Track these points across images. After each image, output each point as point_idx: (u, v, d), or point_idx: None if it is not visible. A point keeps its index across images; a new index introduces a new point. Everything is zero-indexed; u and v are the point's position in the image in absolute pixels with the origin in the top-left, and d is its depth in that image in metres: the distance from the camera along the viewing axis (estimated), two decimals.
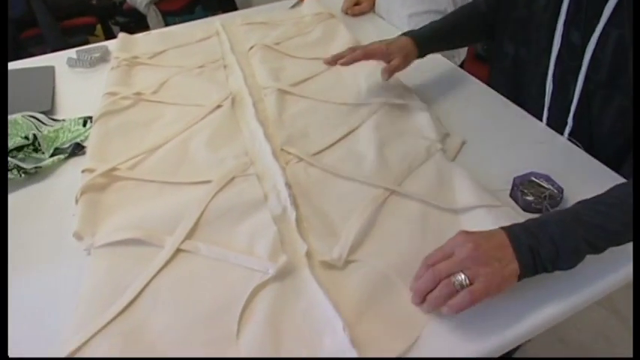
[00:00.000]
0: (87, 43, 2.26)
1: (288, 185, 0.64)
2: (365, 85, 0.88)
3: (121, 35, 1.17)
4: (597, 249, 0.50)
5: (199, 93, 0.90)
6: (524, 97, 0.83)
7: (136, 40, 1.16)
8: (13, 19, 2.03)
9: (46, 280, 0.58)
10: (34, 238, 0.64)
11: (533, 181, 0.64)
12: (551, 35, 0.72)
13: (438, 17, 0.91)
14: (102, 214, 0.64)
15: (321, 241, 0.57)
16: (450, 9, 1.11)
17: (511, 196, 0.64)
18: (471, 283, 0.47)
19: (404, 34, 0.85)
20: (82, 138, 0.82)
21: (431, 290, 0.49)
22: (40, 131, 0.81)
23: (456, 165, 0.68)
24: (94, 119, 0.83)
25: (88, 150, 0.76)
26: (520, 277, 0.48)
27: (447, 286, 0.48)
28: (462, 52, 1.24)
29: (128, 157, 0.72)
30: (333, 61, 0.80)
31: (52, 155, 0.77)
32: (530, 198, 0.61)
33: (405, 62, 0.82)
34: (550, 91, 0.76)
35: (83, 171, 0.70)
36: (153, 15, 2.21)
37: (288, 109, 0.84)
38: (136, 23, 2.47)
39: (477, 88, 0.90)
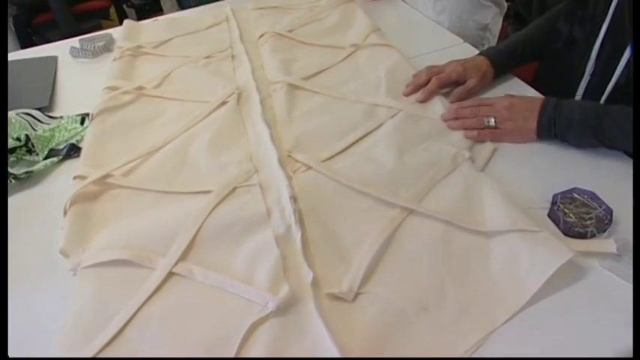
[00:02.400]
0: (100, 27, 2.24)
1: (294, 199, 0.57)
2: (385, 83, 0.79)
3: (126, 22, 1.11)
4: (604, 144, 0.61)
5: (204, 87, 0.84)
6: (570, 79, 0.75)
7: (142, 28, 1.10)
8: (25, 5, 1.99)
9: (31, 302, 0.52)
10: (22, 251, 0.58)
11: (576, 198, 0.55)
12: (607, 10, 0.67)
13: None
14: (92, 228, 0.58)
15: (330, 268, 0.50)
16: None
17: (550, 216, 0.55)
18: (496, 127, 0.66)
19: (480, 53, 0.80)
20: (78, 138, 0.76)
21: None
22: (34, 130, 0.76)
23: (486, 177, 0.59)
24: (91, 116, 0.77)
25: (82, 153, 0.70)
26: (538, 136, 0.65)
27: (479, 121, 0.67)
28: (492, 39, 1.14)
29: (123, 162, 0.66)
30: (412, 92, 0.77)
31: (47, 157, 0.72)
32: (572, 219, 0.53)
33: (482, 83, 0.77)
34: (591, 70, 0.70)
35: (75, 177, 0.65)
36: None
37: (298, 107, 0.76)
38: (152, 5, 2.41)
39: (510, 83, 0.80)
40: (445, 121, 0.70)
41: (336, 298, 0.48)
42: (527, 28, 0.83)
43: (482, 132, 0.67)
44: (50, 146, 0.75)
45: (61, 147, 0.74)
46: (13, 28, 2.11)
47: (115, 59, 0.94)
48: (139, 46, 0.99)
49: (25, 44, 2.08)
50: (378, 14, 1.06)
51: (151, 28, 1.10)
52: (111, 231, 0.57)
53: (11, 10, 2.10)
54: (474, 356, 0.43)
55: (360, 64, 0.87)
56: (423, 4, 1.04)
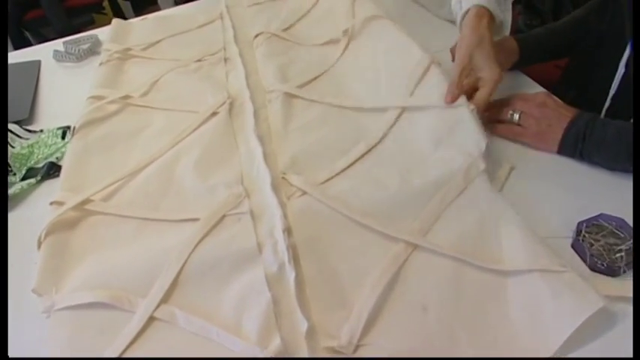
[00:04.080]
0: (93, 22, 2.18)
1: (287, 232, 0.51)
2: (386, 75, 0.72)
3: (115, 22, 1.04)
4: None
5: (193, 95, 0.77)
6: (596, 84, 0.70)
7: (131, 28, 1.03)
8: (16, 1, 1.93)
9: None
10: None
11: (603, 226, 0.49)
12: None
13: None
14: (67, 262, 0.53)
15: (327, 314, 0.45)
16: None
17: (574, 247, 0.49)
18: (519, 125, 0.61)
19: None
20: (58, 155, 0.71)
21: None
22: (12, 147, 0.71)
23: (501, 199, 0.53)
24: (74, 130, 0.71)
25: (61, 174, 0.64)
26: (559, 150, 0.59)
27: (505, 113, 0.62)
28: (505, 31, 1.06)
29: (104, 185, 0.61)
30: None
31: (25, 177, 0.66)
32: (599, 252, 0.47)
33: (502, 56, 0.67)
34: (620, 75, 0.64)
35: (52, 203, 0.59)
36: None
37: (295, 119, 0.70)
38: None
39: (520, 82, 0.73)
40: (479, 111, 0.61)
41: (334, 351, 0.42)
42: (559, 22, 0.77)
43: (499, 126, 0.62)
44: (29, 165, 0.69)
45: (40, 165, 0.69)
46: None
47: (101, 63, 0.88)
48: (128, 49, 0.92)
49: (17, 42, 2.03)
50: (388, 14, 0.99)
51: (141, 28, 1.03)
52: (88, 267, 0.52)
53: None
54: (475, 357, 0.41)
55: (359, 56, 0.80)
56: (434, 4, 0.97)
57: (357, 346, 0.42)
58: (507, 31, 0.70)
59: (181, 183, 0.61)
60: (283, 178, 0.59)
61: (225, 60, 0.87)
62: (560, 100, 0.61)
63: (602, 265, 0.46)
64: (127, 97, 0.77)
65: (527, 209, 0.52)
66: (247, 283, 0.48)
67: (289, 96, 0.74)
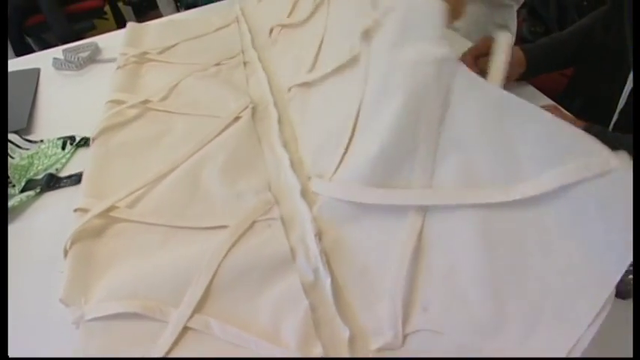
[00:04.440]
0: (94, 27, 2.16)
1: (319, 237, 0.51)
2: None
3: (130, 26, 1.02)
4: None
5: (214, 99, 0.76)
6: (604, 94, 0.69)
7: (146, 31, 1.01)
8: (16, 7, 1.91)
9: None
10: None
11: None
12: None
13: None
14: (95, 271, 0.51)
15: (366, 312, 0.44)
16: None
17: None
18: None
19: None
20: (58, 166, 0.68)
21: None
22: (12, 158, 0.69)
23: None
24: (93, 137, 0.69)
25: (84, 180, 0.62)
26: None
27: None
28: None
29: (129, 191, 0.59)
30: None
31: (24, 189, 0.64)
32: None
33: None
34: (629, 89, 0.62)
35: (75, 210, 0.58)
36: None
37: (310, 109, 0.67)
38: (149, 2, 2.32)
39: (527, 94, 0.72)
40: None
41: (382, 351, 0.41)
42: (565, 32, 0.77)
43: None
44: (28, 176, 0.67)
45: (40, 177, 0.66)
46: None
47: (118, 67, 0.86)
48: (144, 53, 0.90)
49: (18, 47, 2.00)
50: None
51: (156, 31, 1.01)
52: (116, 276, 0.50)
53: None
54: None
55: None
56: None
57: (405, 337, 0.41)
58: (513, 39, 0.71)
59: (207, 189, 0.60)
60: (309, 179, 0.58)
61: (245, 64, 0.87)
62: (567, 113, 0.61)
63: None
64: (146, 101, 0.75)
65: None
66: (282, 290, 0.47)
67: (305, 86, 0.71)
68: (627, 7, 0.59)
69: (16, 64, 0.99)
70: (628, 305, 0.43)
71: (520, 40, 1.58)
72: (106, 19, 2.26)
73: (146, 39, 0.97)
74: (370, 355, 0.41)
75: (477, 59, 0.71)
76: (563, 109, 0.61)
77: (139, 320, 0.46)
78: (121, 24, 2.31)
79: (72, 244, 0.53)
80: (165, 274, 0.50)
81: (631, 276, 0.42)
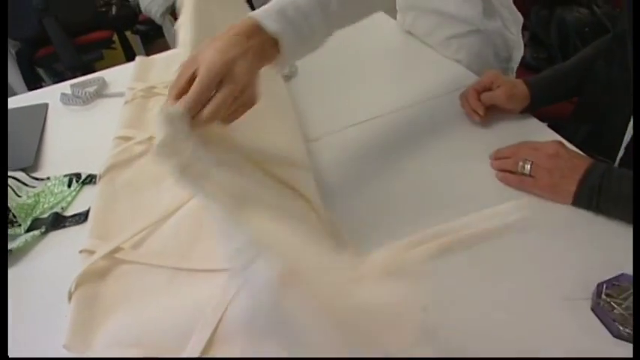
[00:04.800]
0: (102, 58, 2.20)
1: None
2: None
3: (138, 60, 1.03)
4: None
5: None
6: (609, 122, 0.68)
7: (153, 64, 1.02)
8: (27, 39, 1.96)
9: None
10: (10, 346, 0.50)
11: (626, 288, 0.44)
12: None
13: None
14: (99, 314, 0.50)
15: None
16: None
17: (594, 311, 0.45)
18: (531, 176, 0.58)
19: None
20: (64, 204, 0.68)
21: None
22: (18, 196, 0.68)
23: None
24: (99, 174, 0.69)
25: (90, 220, 0.61)
26: (574, 202, 0.55)
27: (514, 164, 0.59)
28: (515, 68, 1.07)
29: (134, 232, 0.59)
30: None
31: (30, 229, 0.64)
32: (622, 317, 0.42)
33: (509, 94, 0.70)
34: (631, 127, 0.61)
35: (81, 251, 0.57)
36: (168, 25, 2.10)
37: None
38: (156, 31, 2.37)
39: (530, 125, 0.71)
40: (490, 159, 0.64)
41: None
42: (567, 63, 0.77)
43: (510, 177, 0.60)
44: (34, 215, 0.67)
45: (46, 216, 0.66)
46: (17, 64, 2.08)
47: (126, 102, 0.86)
48: (151, 87, 0.91)
49: (29, 79, 2.05)
50: (395, 55, 1.00)
51: (163, 64, 1.02)
52: (119, 321, 0.49)
53: (13, 46, 2.07)
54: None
55: None
56: (440, 44, 0.97)
57: None
58: None
59: (212, 229, 0.60)
60: None
61: None
62: (573, 149, 0.59)
63: (627, 331, 0.42)
64: (151, 138, 0.76)
65: (542, 266, 0.49)
66: None
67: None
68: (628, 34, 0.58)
69: (25, 100, 1.00)
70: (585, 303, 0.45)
71: (523, 66, 1.59)
72: (114, 48, 2.30)
73: (153, 72, 0.98)
74: None
75: (480, 94, 0.71)
76: (566, 145, 0.60)
77: None
78: (129, 53, 2.36)
79: (76, 287, 0.53)
80: (169, 320, 0.49)
81: (622, 317, 0.43)
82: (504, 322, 0.46)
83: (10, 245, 0.61)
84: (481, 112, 0.70)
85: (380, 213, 0.59)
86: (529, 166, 0.58)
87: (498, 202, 0.56)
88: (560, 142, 0.60)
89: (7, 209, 0.59)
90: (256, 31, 0.46)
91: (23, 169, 0.75)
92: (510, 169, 0.60)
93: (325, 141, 0.72)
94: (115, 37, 2.31)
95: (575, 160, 0.57)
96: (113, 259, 0.56)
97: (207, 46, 0.45)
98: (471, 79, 0.85)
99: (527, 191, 0.59)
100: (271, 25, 0.46)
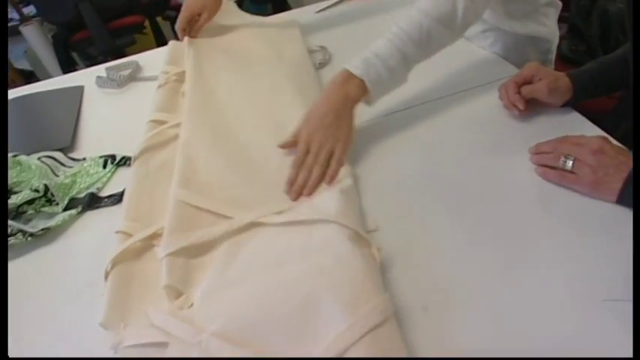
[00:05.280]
0: (134, 42, 2.23)
1: None
2: None
3: (171, 44, 1.03)
4: None
5: None
6: None
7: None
8: (63, 23, 2.00)
9: None
10: (46, 323, 0.52)
11: None
12: None
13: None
14: (136, 295, 0.50)
15: None
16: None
17: None
18: (572, 172, 0.55)
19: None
20: (99, 185, 0.70)
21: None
22: (56, 175, 0.70)
23: None
24: (134, 156, 0.70)
25: (125, 202, 0.62)
26: (618, 200, 0.53)
27: (555, 159, 0.57)
28: (553, 60, 1.02)
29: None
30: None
31: (67, 208, 0.66)
32: None
33: (552, 87, 0.67)
34: None
35: (117, 232, 0.58)
36: None
37: None
38: None
39: (581, 127, 0.68)
40: (530, 152, 0.62)
41: None
42: (610, 56, 0.74)
43: (550, 172, 0.57)
44: (71, 195, 0.68)
45: (82, 195, 0.68)
46: (53, 47, 2.13)
47: (159, 86, 0.87)
48: (184, 72, 0.91)
49: (64, 62, 2.09)
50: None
51: None
52: (157, 303, 0.51)
53: (49, 30, 2.12)
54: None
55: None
56: (476, 36, 0.94)
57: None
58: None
59: None
60: None
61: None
62: (618, 145, 0.57)
63: None
64: None
65: (585, 267, 0.47)
66: None
67: None
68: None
69: (61, 82, 1.02)
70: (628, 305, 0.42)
71: (560, 59, 1.53)
72: (146, 33, 2.33)
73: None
74: None
75: (520, 87, 0.69)
76: (611, 140, 0.58)
77: (177, 346, 0.46)
78: (159, 38, 2.39)
79: (113, 266, 0.54)
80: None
81: None
82: (544, 322, 0.44)
83: (48, 223, 0.62)
84: (521, 106, 0.67)
85: (411, 203, 0.58)
86: (571, 162, 0.56)
87: (536, 198, 0.56)
88: (605, 138, 0.57)
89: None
90: (347, 77, 0.63)
91: (61, 150, 0.77)
92: (551, 164, 0.58)
93: (358, 129, 0.71)
94: (147, 23, 2.34)
95: (621, 156, 0.54)
96: (149, 241, 0.57)
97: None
98: (509, 70, 0.82)
99: (568, 187, 0.57)
100: (356, 70, 0.62)
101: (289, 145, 0.64)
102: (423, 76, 0.84)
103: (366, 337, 0.40)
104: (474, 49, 0.92)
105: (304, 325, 0.42)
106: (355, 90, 0.63)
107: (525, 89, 0.68)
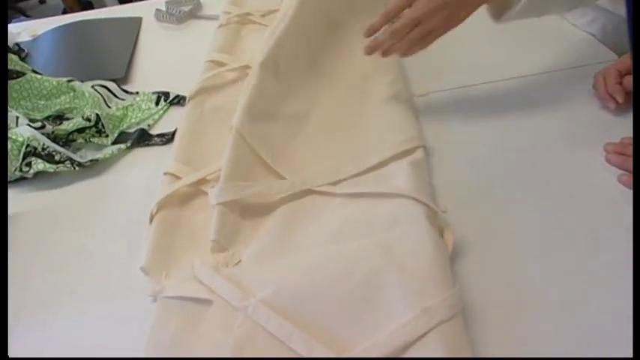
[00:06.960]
0: None
1: None
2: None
3: None
4: None
5: None
6: None
7: None
8: None
9: (99, 323, 0.44)
10: (84, 257, 0.50)
11: None
12: None
13: None
14: (180, 244, 0.48)
15: None
16: None
17: None
18: None
19: None
20: (150, 121, 0.67)
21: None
22: (108, 106, 0.68)
23: None
24: (189, 96, 0.66)
25: (176, 143, 0.59)
26: None
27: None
28: None
29: (220, 167, 0.56)
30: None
31: (116, 141, 0.63)
32: None
33: None
34: None
35: (165, 174, 0.55)
36: None
37: None
38: None
39: None
40: (605, 151, 0.54)
41: None
42: None
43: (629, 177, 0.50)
44: (121, 128, 0.66)
45: (132, 130, 0.65)
46: None
47: (220, 26, 0.83)
48: (247, 14, 0.87)
49: None
50: (517, 22, 0.87)
51: None
52: (200, 254, 0.48)
53: None
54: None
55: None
56: (572, 12, 0.83)
57: None
58: None
59: None
60: None
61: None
62: None
63: None
64: (246, 67, 0.71)
65: None
66: None
67: None
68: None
69: (117, 12, 0.99)
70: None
71: None
72: None
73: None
74: None
75: (623, 77, 0.60)
76: None
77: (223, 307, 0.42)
78: None
79: (158, 210, 0.51)
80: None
81: None
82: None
83: (97, 155, 0.60)
84: (620, 99, 0.59)
85: (487, 187, 0.53)
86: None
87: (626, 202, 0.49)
88: None
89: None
90: None
91: (114, 80, 0.74)
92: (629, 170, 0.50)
93: (432, 97, 0.64)
94: None
95: None
96: (197, 188, 0.54)
97: None
98: (605, 55, 0.73)
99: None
100: None
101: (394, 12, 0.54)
102: (507, 50, 0.76)
103: (431, 332, 0.35)
104: (566, 26, 0.83)
105: (363, 306, 0.38)
106: None
107: (629, 80, 0.60)
